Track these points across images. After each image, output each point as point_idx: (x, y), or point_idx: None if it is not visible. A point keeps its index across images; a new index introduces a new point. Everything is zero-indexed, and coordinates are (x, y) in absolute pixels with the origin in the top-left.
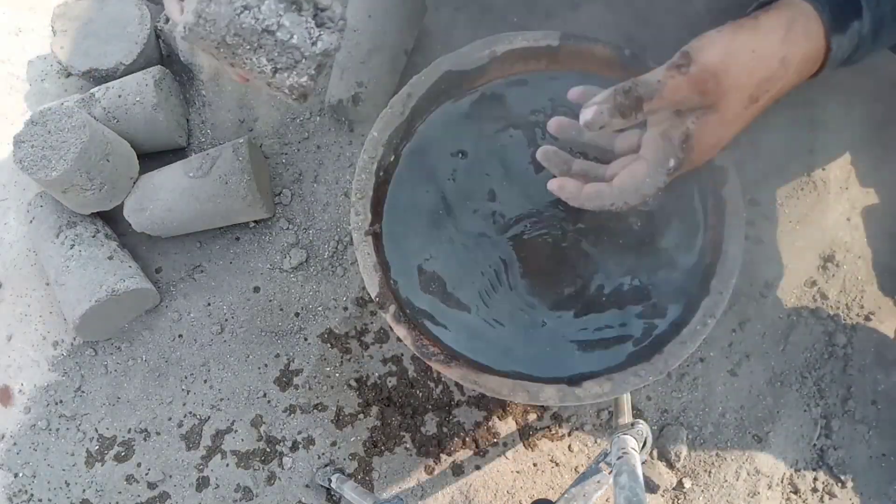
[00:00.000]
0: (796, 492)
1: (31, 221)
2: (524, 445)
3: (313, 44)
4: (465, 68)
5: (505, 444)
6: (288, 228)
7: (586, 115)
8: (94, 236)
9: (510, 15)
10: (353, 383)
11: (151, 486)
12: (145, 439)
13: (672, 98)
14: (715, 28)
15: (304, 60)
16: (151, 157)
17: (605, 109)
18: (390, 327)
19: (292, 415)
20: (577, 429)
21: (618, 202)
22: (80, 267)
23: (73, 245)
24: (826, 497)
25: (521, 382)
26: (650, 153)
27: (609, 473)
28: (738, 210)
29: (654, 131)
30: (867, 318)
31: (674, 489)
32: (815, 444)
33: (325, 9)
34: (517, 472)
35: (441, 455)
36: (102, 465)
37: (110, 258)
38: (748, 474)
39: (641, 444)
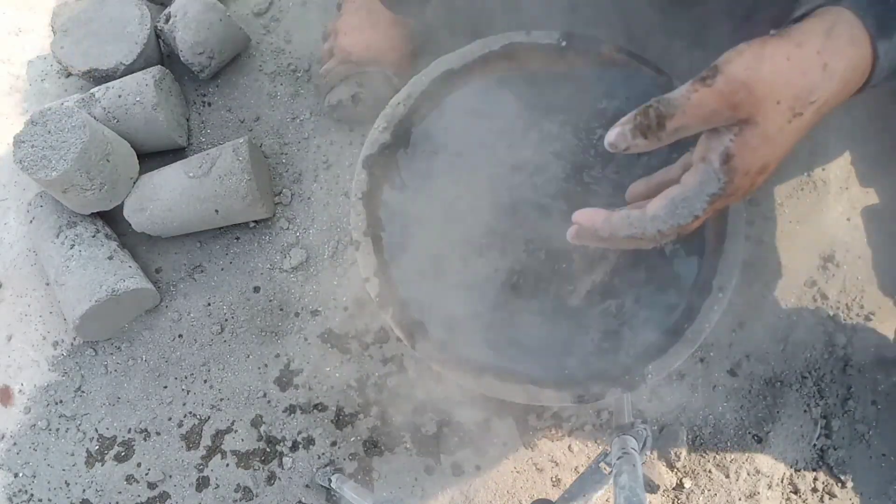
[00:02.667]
0: (796, 492)
1: (31, 221)
2: (524, 445)
3: None
4: (464, 66)
5: (505, 444)
6: (288, 228)
7: (610, 136)
8: (94, 236)
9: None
10: (353, 383)
11: (151, 486)
12: (145, 439)
13: (698, 114)
14: (743, 42)
15: None
16: (151, 157)
17: (627, 130)
18: (390, 327)
19: (292, 415)
20: (577, 429)
21: (649, 230)
22: (80, 267)
23: (74, 245)
24: (826, 497)
25: (522, 383)
26: (688, 177)
27: (609, 473)
28: (738, 210)
29: (696, 155)
30: (867, 318)
31: (674, 489)
32: (815, 444)
33: None
34: (517, 472)
35: (441, 455)
36: (102, 465)
37: (110, 258)
38: (748, 474)
39: (641, 445)
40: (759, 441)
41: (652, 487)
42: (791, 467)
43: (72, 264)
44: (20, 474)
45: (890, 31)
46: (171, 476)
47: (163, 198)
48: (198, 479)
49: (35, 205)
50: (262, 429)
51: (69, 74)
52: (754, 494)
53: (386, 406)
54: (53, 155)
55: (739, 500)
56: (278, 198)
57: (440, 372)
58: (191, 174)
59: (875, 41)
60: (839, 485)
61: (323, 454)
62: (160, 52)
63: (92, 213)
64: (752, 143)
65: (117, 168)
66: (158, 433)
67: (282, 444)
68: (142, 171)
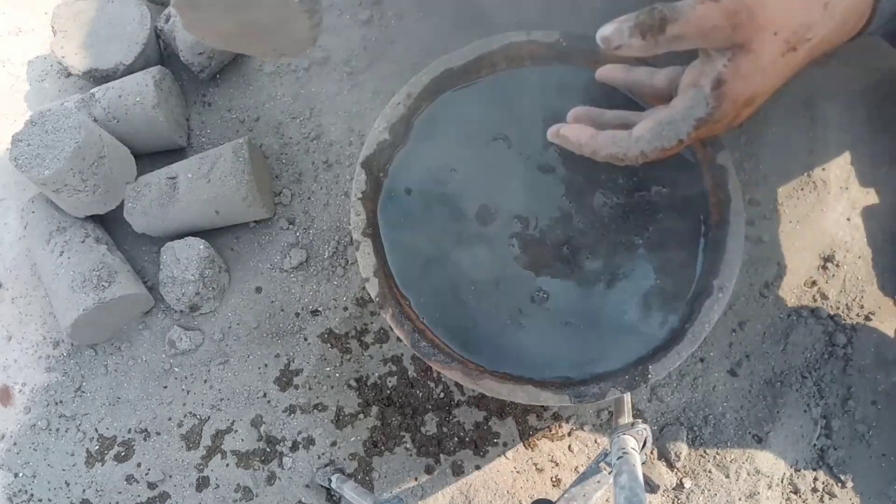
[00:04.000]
0: (796, 492)
1: (25, 227)
2: (524, 445)
3: None
4: (464, 65)
5: (505, 444)
6: (288, 228)
7: (605, 30)
8: (83, 241)
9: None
10: (353, 383)
11: (151, 486)
12: (145, 439)
13: (700, 25)
14: None
15: None
16: (151, 157)
17: (625, 28)
18: (390, 327)
19: (292, 415)
20: (577, 429)
21: (632, 150)
22: (67, 274)
23: (63, 252)
24: (826, 497)
25: (522, 383)
26: (678, 100)
27: (609, 473)
28: (738, 210)
29: (685, 81)
30: (867, 318)
31: (674, 489)
32: (815, 444)
33: None
34: (517, 472)
35: (441, 455)
36: (102, 465)
37: (99, 264)
38: (748, 474)
39: (641, 444)
40: (759, 441)
41: (652, 487)
42: (791, 467)
43: (60, 272)
44: (20, 474)
45: None
46: (171, 476)
47: (163, 199)
48: (198, 479)
49: (28, 210)
50: (262, 429)
51: (69, 74)
52: (754, 494)
53: (386, 406)
54: (47, 154)
55: (739, 500)
56: (278, 198)
57: (440, 372)
58: (191, 175)
59: None
60: (839, 485)
61: (323, 454)
62: (160, 52)
63: (85, 217)
64: (744, 70)
65: (112, 171)
66: (158, 433)
67: (282, 444)
68: (142, 171)
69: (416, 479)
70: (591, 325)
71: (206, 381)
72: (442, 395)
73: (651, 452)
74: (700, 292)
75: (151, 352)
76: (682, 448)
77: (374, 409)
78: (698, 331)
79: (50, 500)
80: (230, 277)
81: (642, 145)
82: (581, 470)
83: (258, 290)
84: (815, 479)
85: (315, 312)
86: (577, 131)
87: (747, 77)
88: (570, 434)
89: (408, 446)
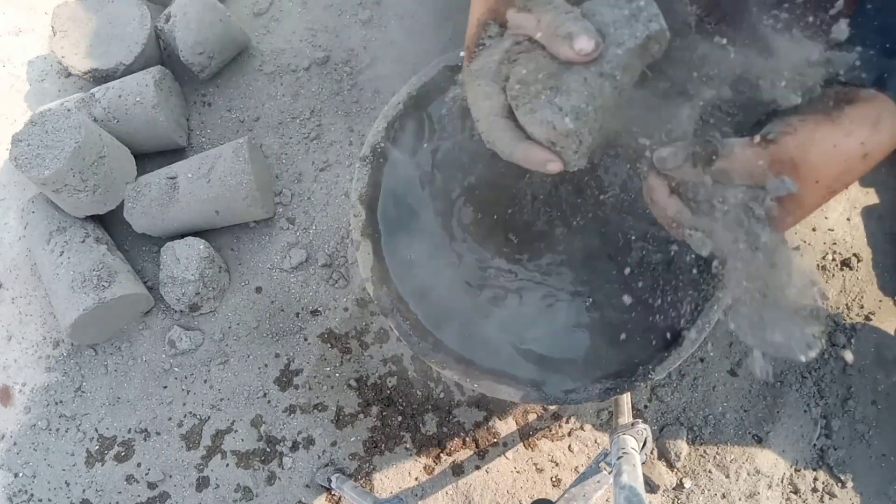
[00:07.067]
0: (796, 492)
1: (25, 227)
2: (524, 445)
3: None
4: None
5: (505, 444)
6: (288, 228)
7: (662, 153)
8: (83, 241)
9: None
10: (353, 383)
11: (151, 486)
12: (145, 439)
13: (745, 166)
14: (797, 116)
15: None
16: (151, 157)
17: (680, 154)
18: (390, 327)
19: (292, 415)
20: (577, 429)
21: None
22: (67, 275)
23: (63, 252)
24: (826, 497)
25: (521, 383)
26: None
27: (609, 473)
28: None
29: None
30: (867, 318)
31: (674, 489)
32: (815, 444)
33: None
34: (517, 472)
35: (441, 455)
36: (102, 465)
37: (98, 264)
38: (748, 474)
39: (641, 444)
40: (759, 441)
41: (652, 487)
42: (791, 467)
43: (60, 272)
44: (20, 474)
45: None
46: (171, 476)
47: (163, 199)
48: (198, 479)
49: (28, 210)
50: (262, 429)
51: (69, 74)
52: (754, 494)
53: (386, 406)
54: (48, 154)
55: (739, 500)
56: (278, 198)
57: (440, 372)
58: (191, 175)
59: None
60: (839, 485)
61: (323, 454)
62: (160, 52)
63: (85, 217)
64: (788, 208)
65: (112, 171)
66: (158, 433)
67: (282, 444)
68: (142, 171)
69: (416, 479)
70: (591, 326)
71: (206, 381)
72: (442, 395)
73: (651, 452)
74: (700, 293)
75: (151, 352)
76: (682, 448)
77: (374, 409)
78: (698, 331)
79: (50, 500)
80: (230, 277)
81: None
82: (581, 470)
83: (258, 290)
84: (815, 479)
85: (315, 312)
86: (669, 207)
87: (793, 213)
88: (570, 434)
89: (408, 446)
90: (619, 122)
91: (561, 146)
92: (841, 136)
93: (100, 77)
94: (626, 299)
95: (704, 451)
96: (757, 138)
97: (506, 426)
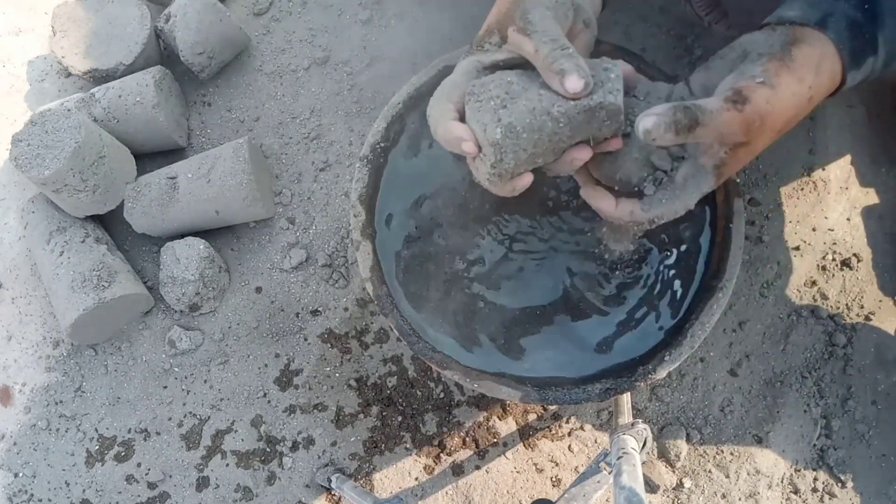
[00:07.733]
0: (796, 492)
1: (25, 227)
2: (524, 445)
3: None
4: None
5: (505, 444)
6: (288, 228)
7: (647, 123)
8: (83, 241)
9: None
10: (353, 383)
11: (151, 486)
12: (145, 439)
13: (720, 130)
14: (758, 63)
15: None
16: (151, 158)
17: (662, 122)
18: (390, 327)
19: (292, 415)
20: (577, 429)
21: (646, 217)
22: (68, 274)
23: (63, 252)
24: (826, 497)
25: (520, 383)
26: (683, 175)
27: (609, 473)
28: (738, 210)
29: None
30: (867, 318)
31: (674, 489)
32: (815, 444)
33: None
34: (517, 472)
35: (441, 455)
36: (102, 465)
37: (98, 264)
38: (748, 474)
39: (641, 444)
40: (759, 441)
41: (652, 487)
42: (791, 467)
43: (60, 272)
44: (20, 474)
45: (860, 61)
46: (171, 476)
47: (163, 199)
48: (198, 479)
49: (28, 210)
50: (262, 429)
51: (69, 74)
52: (754, 494)
53: (386, 406)
54: (48, 154)
55: (739, 500)
56: (278, 198)
57: (440, 372)
58: (191, 175)
59: (847, 70)
60: (839, 485)
61: (323, 454)
62: (160, 52)
63: (85, 217)
64: (741, 156)
65: (112, 171)
66: (158, 433)
67: (282, 444)
68: (141, 171)
69: (416, 479)
70: (592, 326)
71: (206, 381)
72: (442, 395)
73: (651, 452)
74: (700, 293)
75: (151, 352)
76: (682, 448)
77: (374, 409)
78: (698, 331)
79: (50, 500)
80: (230, 277)
81: (654, 214)
82: (581, 470)
83: (258, 290)
84: (815, 479)
85: (315, 312)
86: (601, 202)
87: (743, 160)
88: (570, 434)
89: (408, 446)
90: (543, 164)
91: (483, 154)
92: (795, 83)
93: (100, 77)
94: (625, 298)
95: (704, 451)
96: (730, 94)
97: (506, 426)
